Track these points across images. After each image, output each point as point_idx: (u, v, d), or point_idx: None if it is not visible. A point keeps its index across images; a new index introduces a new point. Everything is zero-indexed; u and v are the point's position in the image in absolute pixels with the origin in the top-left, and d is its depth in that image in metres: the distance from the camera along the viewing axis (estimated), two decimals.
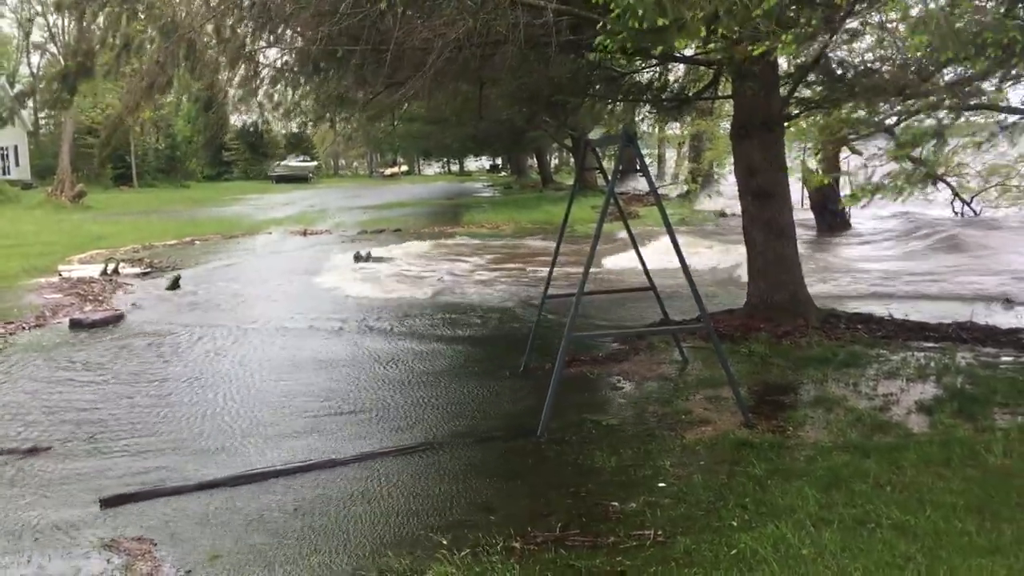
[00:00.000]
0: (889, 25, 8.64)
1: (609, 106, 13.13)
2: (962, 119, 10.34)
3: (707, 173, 36.37)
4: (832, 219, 22.98)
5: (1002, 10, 7.17)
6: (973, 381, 7.54)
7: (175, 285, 14.58)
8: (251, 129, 63.23)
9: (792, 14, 7.30)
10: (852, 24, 8.72)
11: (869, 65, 9.71)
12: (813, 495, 5.05)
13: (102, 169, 50.60)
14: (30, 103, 58.61)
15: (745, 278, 10.52)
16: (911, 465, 5.51)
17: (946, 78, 9.12)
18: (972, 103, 8.83)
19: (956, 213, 21.84)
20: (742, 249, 10.54)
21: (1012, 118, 10.06)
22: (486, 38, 8.27)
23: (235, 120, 61.09)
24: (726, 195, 34.97)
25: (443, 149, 56.79)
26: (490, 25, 8.04)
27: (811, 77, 10.07)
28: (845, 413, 6.72)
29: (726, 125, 26.67)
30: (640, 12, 6.28)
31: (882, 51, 9.49)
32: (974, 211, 21.24)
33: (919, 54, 7.76)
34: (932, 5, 7.10)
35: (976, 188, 18.62)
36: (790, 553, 4.32)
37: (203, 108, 57.52)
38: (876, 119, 10.29)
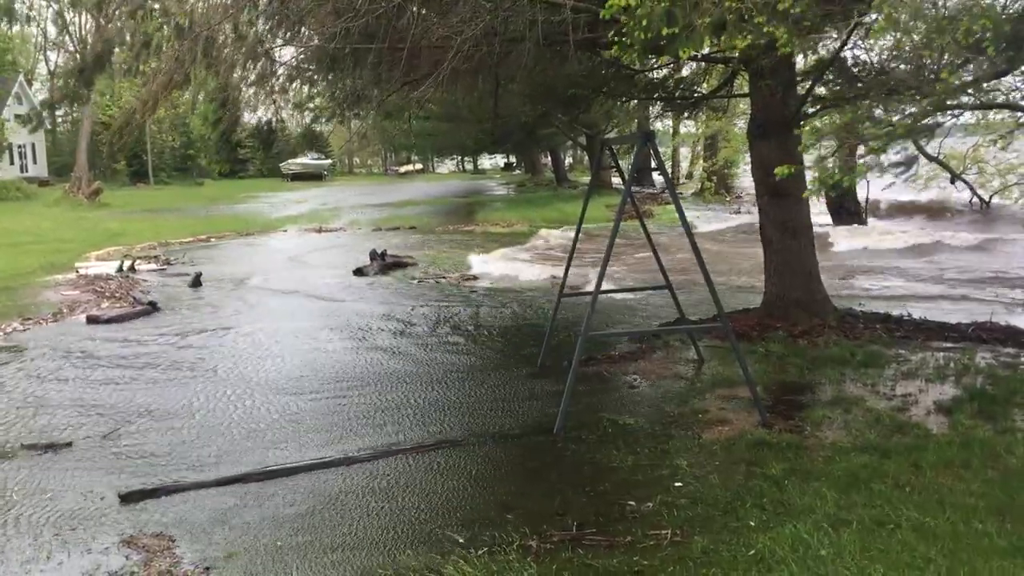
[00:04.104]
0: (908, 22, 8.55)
1: (624, 103, 13.11)
2: (971, 117, 10.18)
3: (721, 172, 36.27)
4: (848, 218, 22.88)
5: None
6: (993, 381, 7.48)
7: (197, 283, 14.63)
8: (265, 127, 63.50)
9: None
10: (867, 19, 8.64)
11: (885, 64, 9.63)
12: (831, 496, 5.03)
13: (112, 163, 50.92)
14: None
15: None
16: (930, 466, 5.47)
17: (964, 77, 9.03)
18: (997, 102, 8.72)
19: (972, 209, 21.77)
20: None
21: None
22: (503, 36, 8.26)
23: (250, 118, 61.38)
24: (741, 193, 34.93)
25: (458, 147, 56.90)
26: (508, 23, 8.03)
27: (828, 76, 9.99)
28: (864, 413, 6.68)
29: (741, 124, 26.58)
30: (644, 23, 6.26)
31: (898, 51, 9.40)
32: (989, 207, 21.13)
33: (935, 54, 7.67)
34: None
35: (995, 187, 18.53)
36: (809, 554, 4.30)
37: (220, 106, 57.85)
38: (893, 118, 10.20)
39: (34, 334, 10.71)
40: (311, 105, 12.08)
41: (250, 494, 5.49)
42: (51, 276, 15.68)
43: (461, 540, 4.69)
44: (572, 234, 8.74)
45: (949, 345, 8.93)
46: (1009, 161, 16.70)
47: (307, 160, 63.65)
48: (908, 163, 10.24)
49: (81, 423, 7.05)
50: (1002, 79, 8.91)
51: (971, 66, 7.74)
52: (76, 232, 23.92)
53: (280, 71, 10.77)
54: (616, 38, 7.04)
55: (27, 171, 52.07)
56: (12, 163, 50.43)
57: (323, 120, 13.27)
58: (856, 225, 23.22)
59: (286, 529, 4.96)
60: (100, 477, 5.85)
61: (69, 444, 6.49)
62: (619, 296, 12.09)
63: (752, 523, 4.75)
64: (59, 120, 61.66)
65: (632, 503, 5.15)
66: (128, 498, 5.40)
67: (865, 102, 9.94)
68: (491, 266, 17.07)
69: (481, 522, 4.97)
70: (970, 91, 8.26)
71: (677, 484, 5.43)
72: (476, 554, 4.49)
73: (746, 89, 11.19)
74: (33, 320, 11.49)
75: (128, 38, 11.61)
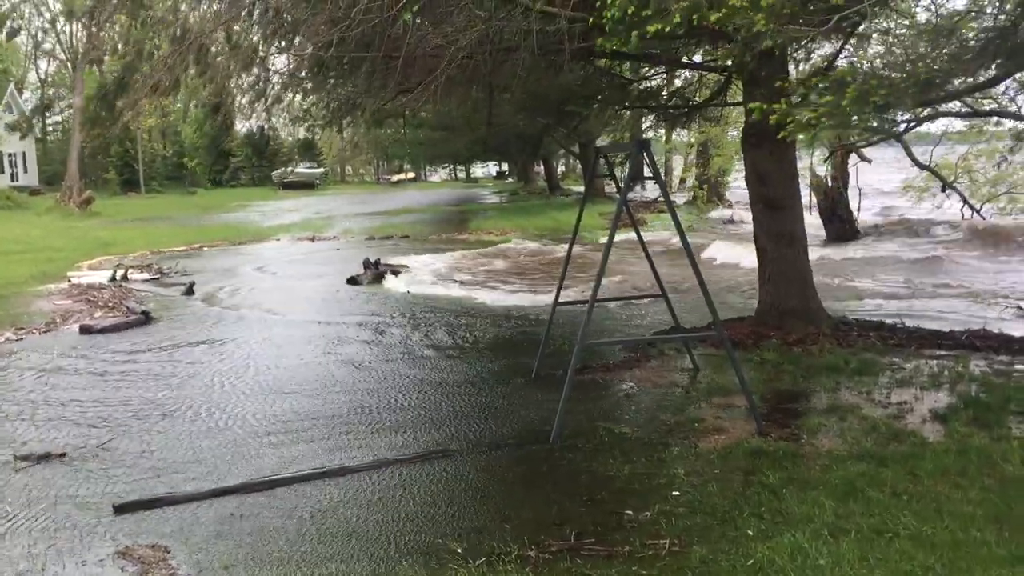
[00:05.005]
0: (899, 32, 8.59)
1: (617, 112, 13.12)
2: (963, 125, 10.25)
3: (714, 180, 36.34)
4: (840, 227, 22.94)
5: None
6: (987, 389, 7.50)
7: (189, 291, 14.59)
8: (257, 135, 63.41)
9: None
10: (860, 29, 8.66)
11: (879, 71, 9.65)
12: (829, 504, 5.03)
13: (98, 168, 50.71)
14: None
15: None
16: (927, 474, 5.48)
17: (956, 85, 9.07)
18: (987, 110, 8.76)
19: (964, 218, 21.92)
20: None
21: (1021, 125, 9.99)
22: (498, 45, 8.27)
23: (242, 126, 61.29)
24: (733, 202, 35.02)
25: (450, 155, 56.88)
26: (502, 32, 8.04)
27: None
28: (859, 421, 6.69)
29: (734, 133, 26.64)
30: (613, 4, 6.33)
31: (891, 58, 9.44)
32: (982, 216, 21.29)
33: (928, 62, 7.70)
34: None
35: (986, 195, 18.71)
36: (807, 563, 4.30)
37: (211, 112, 57.71)
38: (884, 126, 10.25)
39: (27, 344, 10.65)
40: (307, 115, 12.08)
41: (246, 504, 5.46)
42: (43, 285, 15.59)
43: (459, 550, 4.67)
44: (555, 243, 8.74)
45: (943, 353, 8.95)
46: (993, 167, 16.93)
47: (300, 169, 63.51)
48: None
49: (75, 434, 7.00)
50: (995, 86, 8.96)
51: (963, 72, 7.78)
52: (67, 241, 23.81)
53: (274, 79, 10.77)
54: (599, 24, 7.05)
55: (17, 180, 51.85)
56: (3, 172, 50.26)
57: (318, 129, 13.32)
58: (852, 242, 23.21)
59: (282, 539, 4.94)
60: (94, 488, 5.81)
61: (63, 455, 6.45)
62: (612, 305, 12.10)
63: (750, 532, 4.75)
64: (50, 129, 61.50)
65: (630, 512, 5.15)
66: (123, 509, 5.36)
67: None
68: (482, 275, 17.07)
69: (479, 532, 4.96)
70: (964, 98, 8.30)
71: (675, 493, 5.42)
72: (474, 564, 4.48)
73: (739, 98, 11.21)
74: (26, 330, 11.43)
75: (120, 47, 11.61)
